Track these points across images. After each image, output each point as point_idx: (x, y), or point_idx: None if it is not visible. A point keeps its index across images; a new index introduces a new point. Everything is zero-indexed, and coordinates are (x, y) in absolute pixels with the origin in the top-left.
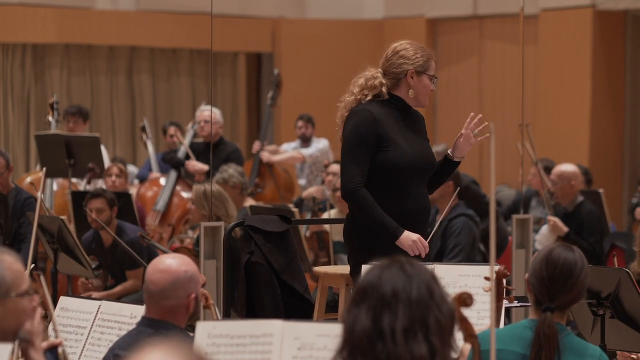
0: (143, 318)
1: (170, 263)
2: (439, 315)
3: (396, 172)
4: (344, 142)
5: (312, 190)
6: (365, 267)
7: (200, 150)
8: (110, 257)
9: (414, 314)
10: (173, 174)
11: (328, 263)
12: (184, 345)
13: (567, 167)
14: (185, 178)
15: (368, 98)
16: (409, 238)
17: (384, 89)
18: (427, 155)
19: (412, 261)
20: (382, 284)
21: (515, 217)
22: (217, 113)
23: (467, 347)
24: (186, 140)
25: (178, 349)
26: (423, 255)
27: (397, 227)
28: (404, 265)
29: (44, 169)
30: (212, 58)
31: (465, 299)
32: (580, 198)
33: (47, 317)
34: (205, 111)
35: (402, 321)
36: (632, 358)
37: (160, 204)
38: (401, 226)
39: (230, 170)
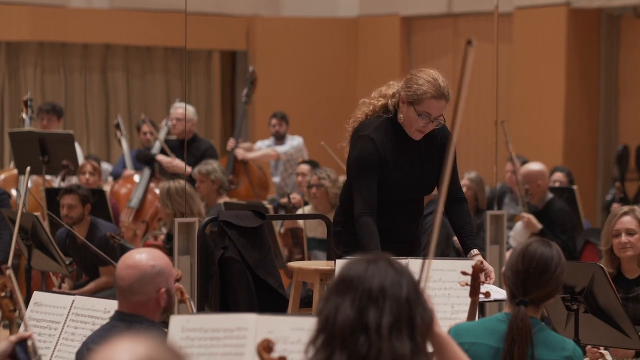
0: (116, 312)
1: (138, 258)
2: (423, 314)
3: (383, 196)
4: (350, 169)
5: (296, 197)
6: (340, 262)
7: (174, 148)
8: (84, 254)
9: (401, 311)
10: (147, 171)
11: (302, 259)
12: (154, 337)
13: (534, 167)
14: (160, 175)
15: (379, 104)
16: None
17: (390, 102)
18: (415, 184)
19: (398, 260)
20: (369, 277)
21: (489, 212)
22: (190, 110)
23: None
24: (161, 136)
25: (147, 339)
26: None
27: None
28: (392, 262)
29: (28, 168)
30: (186, 56)
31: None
32: (550, 195)
33: (16, 311)
34: (179, 109)
35: (389, 317)
36: (600, 353)
37: (134, 201)
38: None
39: (215, 164)
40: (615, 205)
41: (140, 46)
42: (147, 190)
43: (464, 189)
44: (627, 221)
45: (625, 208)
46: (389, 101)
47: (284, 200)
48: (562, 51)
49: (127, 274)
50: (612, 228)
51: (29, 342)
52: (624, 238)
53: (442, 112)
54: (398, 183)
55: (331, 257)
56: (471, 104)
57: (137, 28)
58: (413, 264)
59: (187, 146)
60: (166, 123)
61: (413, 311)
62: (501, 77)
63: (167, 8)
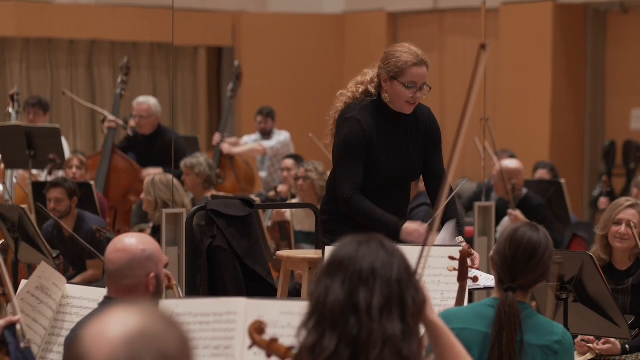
0: (105, 298)
1: (129, 242)
2: (415, 296)
3: (370, 181)
4: (335, 152)
5: (282, 189)
6: (330, 247)
7: (140, 142)
8: (71, 247)
9: (391, 292)
10: (107, 154)
11: None
12: (148, 307)
13: (510, 165)
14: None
15: (360, 91)
16: (409, 227)
17: (370, 87)
18: (403, 168)
19: (389, 241)
20: (360, 258)
21: (477, 204)
22: (154, 104)
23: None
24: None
25: (140, 310)
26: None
27: (397, 222)
28: (383, 242)
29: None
30: (173, 52)
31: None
32: (525, 191)
33: (5, 295)
34: (144, 104)
35: (379, 298)
36: (589, 347)
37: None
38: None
39: (201, 158)
40: (603, 199)
41: (126, 42)
42: (109, 173)
43: (421, 183)
44: (631, 214)
45: (632, 200)
46: (369, 86)
47: (272, 194)
48: (548, 47)
49: (117, 258)
50: (614, 216)
51: (18, 326)
52: (623, 229)
53: (426, 80)
54: (385, 166)
55: (319, 246)
56: (457, 101)
57: (124, 24)
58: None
59: (154, 139)
60: (118, 90)
61: (404, 292)
62: (488, 73)
63: (153, 4)
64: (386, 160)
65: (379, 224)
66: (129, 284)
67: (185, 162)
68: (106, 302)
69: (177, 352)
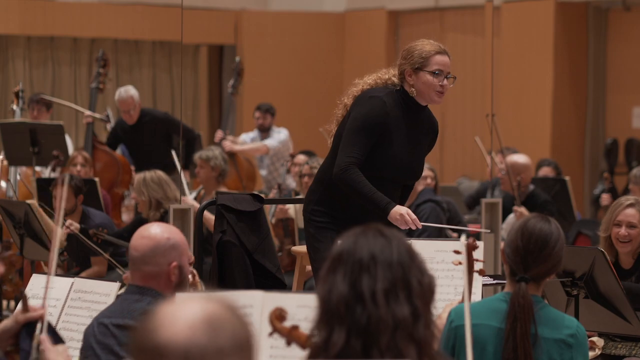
0: (129, 285)
1: (154, 230)
2: (421, 278)
3: (374, 171)
4: (351, 124)
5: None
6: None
7: (127, 131)
8: (75, 243)
9: (394, 275)
10: (88, 150)
11: None
12: (218, 296)
13: (519, 159)
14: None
15: (386, 77)
16: (396, 212)
17: (395, 80)
18: (409, 165)
19: (389, 227)
20: (358, 249)
21: (484, 200)
22: (134, 93)
23: (443, 318)
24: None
25: (211, 295)
26: (414, 227)
27: (388, 202)
28: (381, 229)
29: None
30: (182, 50)
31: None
32: (531, 187)
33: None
34: (127, 98)
35: (383, 283)
36: (592, 341)
37: None
38: (359, 218)
39: (216, 152)
40: (604, 196)
41: (128, 40)
42: (92, 167)
43: (428, 180)
44: (631, 214)
45: (631, 199)
46: (393, 79)
47: (274, 191)
48: (549, 45)
49: (141, 244)
50: (614, 217)
51: (38, 325)
52: (624, 230)
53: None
54: (392, 157)
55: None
56: (457, 99)
57: (126, 22)
58: (416, 245)
59: (140, 123)
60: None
61: (408, 274)
62: (488, 71)
63: (155, 2)
64: (396, 151)
65: (369, 201)
66: (151, 271)
67: (200, 154)
68: (129, 290)
69: (248, 341)
